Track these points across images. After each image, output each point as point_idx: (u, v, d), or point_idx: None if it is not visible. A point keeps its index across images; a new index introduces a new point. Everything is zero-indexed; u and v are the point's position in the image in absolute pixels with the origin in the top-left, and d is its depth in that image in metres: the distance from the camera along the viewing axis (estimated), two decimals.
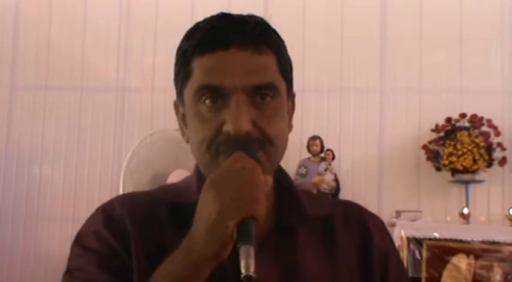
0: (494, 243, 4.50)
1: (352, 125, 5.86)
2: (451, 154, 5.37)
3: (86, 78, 6.14)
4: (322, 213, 1.07)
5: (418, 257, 4.56)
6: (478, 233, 4.59)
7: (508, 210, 5.00)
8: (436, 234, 4.60)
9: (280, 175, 1.07)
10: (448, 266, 4.51)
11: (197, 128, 0.97)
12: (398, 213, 5.14)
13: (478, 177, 5.48)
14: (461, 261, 4.49)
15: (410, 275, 4.33)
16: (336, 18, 5.92)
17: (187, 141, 1.03)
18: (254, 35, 0.96)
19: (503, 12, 5.83)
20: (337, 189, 5.48)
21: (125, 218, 0.99)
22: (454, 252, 4.53)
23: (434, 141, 5.56)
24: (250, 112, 0.94)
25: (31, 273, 5.95)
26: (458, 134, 5.44)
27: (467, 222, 5.10)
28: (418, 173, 5.72)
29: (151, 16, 6.11)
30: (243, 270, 0.77)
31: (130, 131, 6.00)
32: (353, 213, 1.11)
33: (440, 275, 4.52)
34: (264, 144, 0.95)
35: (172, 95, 1.06)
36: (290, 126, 1.05)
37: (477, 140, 5.37)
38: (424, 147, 5.58)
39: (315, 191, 5.18)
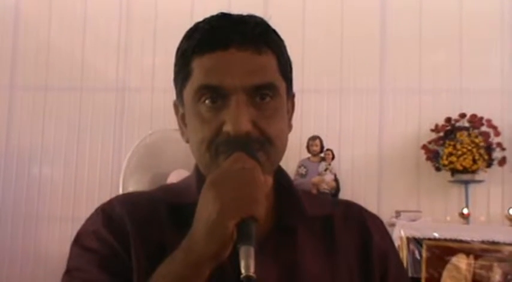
0: (493, 243, 4.50)
1: (351, 125, 5.86)
2: (450, 154, 5.37)
3: (85, 78, 6.15)
4: (322, 213, 1.07)
5: (418, 257, 4.56)
6: (477, 233, 4.59)
7: (508, 210, 5.00)
8: (436, 234, 4.60)
9: (280, 175, 1.07)
10: (448, 266, 4.52)
11: (197, 128, 0.97)
12: (398, 213, 5.14)
13: (477, 177, 5.48)
14: (461, 261, 4.49)
15: (410, 275, 4.34)
16: (336, 19, 5.92)
17: (187, 141, 1.03)
18: (254, 35, 0.96)
19: (503, 12, 5.83)
20: (337, 189, 5.48)
21: (125, 218, 0.99)
22: (453, 252, 4.53)
23: (434, 141, 5.56)
24: (250, 112, 0.94)
25: (31, 273, 5.95)
26: (458, 134, 5.44)
27: (467, 222, 5.10)
28: (418, 173, 5.72)
29: (151, 16, 6.11)
30: (243, 271, 0.77)
31: (130, 131, 6.00)
32: (353, 213, 1.11)
33: (440, 275, 4.52)
34: (263, 144, 0.95)
35: (172, 95, 1.06)
36: (290, 126, 1.05)
37: (477, 140, 5.37)
38: (424, 147, 5.58)
39: (314, 191, 5.18)
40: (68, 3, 6.32)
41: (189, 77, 0.98)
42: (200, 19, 1.01)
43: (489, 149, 5.42)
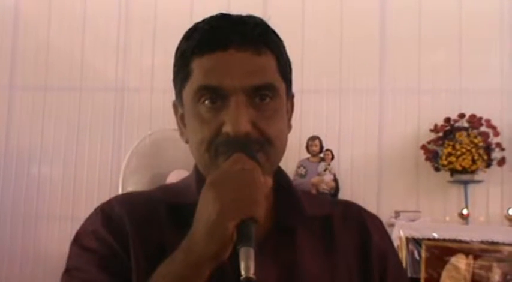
0: (493, 243, 4.50)
1: (351, 125, 5.85)
2: (450, 154, 5.36)
3: (85, 78, 6.14)
4: (321, 213, 1.08)
5: (417, 257, 4.56)
6: (477, 233, 4.59)
7: (507, 210, 5.00)
8: (435, 235, 4.60)
9: (279, 175, 1.07)
10: (447, 266, 4.52)
11: (196, 128, 0.97)
12: (397, 214, 5.13)
13: (477, 177, 5.48)
14: (460, 262, 4.50)
15: (409, 275, 4.33)
16: (335, 19, 5.91)
17: (187, 142, 1.03)
18: (253, 35, 0.97)
19: (503, 12, 5.82)
20: (336, 189, 5.48)
21: (124, 218, 0.99)
22: (453, 252, 4.53)
23: (433, 141, 5.56)
24: (250, 113, 0.94)
25: (30, 272, 5.95)
26: (457, 134, 5.43)
27: (466, 223, 5.09)
28: (417, 173, 5.71)
29: (151, 16, 6.11)
30: (242, 272, 0.77)
31: (129, 131, 6.00)
32: (352, 213, 1.12)
33: (439, 275, 4.52)
34: (263, 145, 0.95)
35: (171, 95, 1.06)
36: (289, 127, 1.05)
37: (476, 140, 5.37)
38: (423, 147, 5.58)
39: (314, 191, 5.18)
40: (67, 3, 6.32)
41: (188, 78, 0.98)
42: (199, 19, 1.01)
43: (488, 149, 5.42)
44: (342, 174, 5.63)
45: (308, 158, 5.55)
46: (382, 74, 5.87)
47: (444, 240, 4.57)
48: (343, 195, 5.44)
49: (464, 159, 5.31)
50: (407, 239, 4.58)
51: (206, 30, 0.97)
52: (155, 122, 5.70)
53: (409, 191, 5.67)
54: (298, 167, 5.51)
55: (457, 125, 5.53)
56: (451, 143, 5.39)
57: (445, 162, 5.38)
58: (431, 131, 5.57)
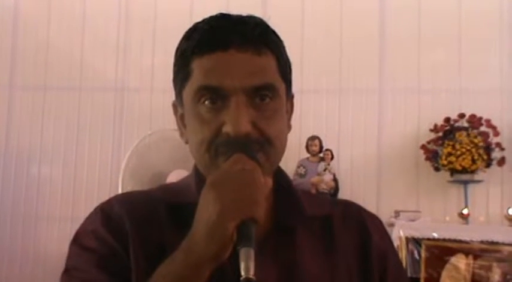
0: (493, 243, 4.50)
1: (351, 125, 5.86)
2: (449, 154, 5.37)
3: (84, 78, 6.14)
4: (321, 213, 1.08)
5: (417, 257, 4.55)
6: (477, 233, 4.59)
7: (507, 210, 5.00)
8: (435, 234, 4.60)
9: (279, 175, 1.07)
10: (447, 266, 4.51)
11: (196, 129, 0.97)
12: (397, 213, 5.13)
13: (476, 177, 5.48)
14: (460, 261, 4.49)
15: (409, 275, 4.33)
16: (335, 19, 5.91)
17: (186, 142, 1.03)
18: (254, 35, 0.96)
19: (502, 11, 5.83)
20: (336, 189, 5.48)
21: (124, 217, 0.99)
22: (453, 252, 4.53)
23: (433, 141, 5.56)
24: (250, 113, 0.94)
25: (30, 272, 5.94)
26: (457, 134, 5.43)
27: (466, 222, 5.09)
28: (417, 173, 5.72)
29: (150, 16, 6.11)
30: (242, 273, 0.77)
31: (129, 131, 5.99)
32: (352, 213, 1.12)
33: (439, 275, 4.51)
34: (263, 145, 0.95)
35: (171, 95, 1.06)
36: (289, 127, 1.05)
37: (476, 140, 5.37)
38: (423, 147, 5.58)
39: (313, 191, 5.18)
40: (67, 3, 6.31)
41: (188, 78, 0.98)
42: (199, 19, 1.01)
43: (488, 149, 5.42)
44: (341, 174, 5.63)
45: (308, 158, 5.55)
46: (381, 73, 5.87)
47: (444, 240, 4.57)
48: (342, 195, 5.44)
49: (464, 159, 5.31)
50: (407, 238, 4.58)
51: (206, 30, 0.97)
52: (155, 122, 5.70)
53: (409, 191, 5.67)
54: (298, 167, 5.51)
55: (457, 124, 5.53)
56: (451, 143, 5.39)
57: (445, 162, 5.38)
58: (431, 130, 5.58)
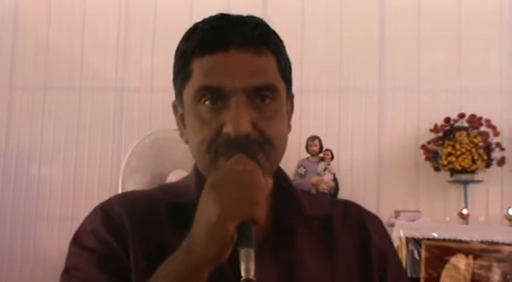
0: (493, 243, 4.50)
1: (351, 125, 5.86)
2: (449, 154, 5.37)
3: (84, 78, 6.14)
4: (321, 213, 1.08)
5: (417, 257, 4.55)
6: (476, 233, 4.59)
7: (507, 210, 5.00)
8: (435, 234, 4.60)
9: (279, 175, 1.07)
10: (447, 266, 4.51)
11: (197, 129, 0.97)
12: (397, 213, 5.14)
13: (476, 177, 5.48)
14: (460, 261, 4.49)
15: (409, 275, 4.33)
16: (335, 19, 5.91)
17: (186, 142, 1.03)
18: (254, 36, 0.96)
19: (502, 11, 5.83)
20: (336, 189, 5.48)
21: (123, 217, 0.99)
22: (452, 252, 4.53)
23: (433, 141, 5.56)
24: (250, 114, 0.94)
25: (30, 272, 5.94)
26: (457, 134, 5.44)
27: (466, 222, 5.09)
28: (417, 173, 5.72)
29: (150, 16, 6.11)
30: (243, 274, 0.78)
31: (129, 131, 5.99)
32: (352, 213, 1.12)
33: (439, 275, 4.51)
34: (263, 145, 0.95)
35: (171, 95, 1.06)
36: (289, 127, 1.05)
37: (476, 140, 5.37)
38: (423, 147, 5.58)
39: (313, 191, 5.18)
40: (67, 3, 6.31)
41: (188, 78, 0.98)
42: (199, 19, 1.01)
43: (488, 149, 5.42)
44: (341, 174, 5.64)
45: (308, 158, 5.55)
46: (381, 73, 5.87)
47: (444, 240, 4.57)
48: (342, 195, 5.45)
49: (464, 159, 5.31)
50: (407, 239, 4.58)
51: (206, 30, 0.97)
52: (155, 122, 5.70)
53: (409, 191, 5.67)
54: (298, 167, 5.51)
55: (456, 124, 5.53)
56: (451, 143, 5.40)
57: (445, 162, 5.38)
58: (431, 130, 5.58)
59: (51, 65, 6.17)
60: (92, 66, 6.17)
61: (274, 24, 1.01)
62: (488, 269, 4.45)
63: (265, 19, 1.01)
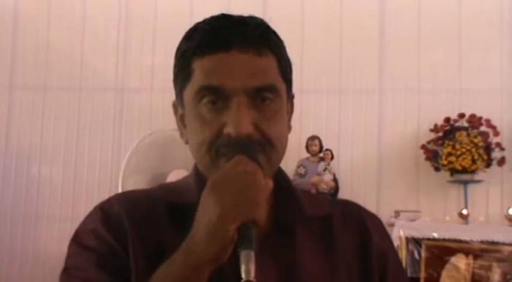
0: (493, 243, 4.50)
1: (351, 125, 5.86)
2: (449, 154, 5.37)
3: (84, 78, 6.14)
4: (321, 213, 1.07)
5: (417, 257, 4.55)
6: (477, 233, 4.59)
7: (507, 210, 5.00)
8: (435, 234, 4.60)
9: (279, 175, 1.06)
10: (447, 266, 4.51)
11: (197, 129, 0.97)
12: (397, 213, 5.14)
13: (476, 177, 5.48)
14: (460, 261, 4.49)
15: (409, 275, 4.33)
16: (335, 19, 5.91)
17: (186, 142, 1.03)
18: (255, 36, 0.96)
19: (503, 11, 5.83)
20: (336, 189, 5.48)
21: (123, 216, 0.99)
22: (453, 252, 4.53)
23: (433, 141, 5.56)
24: (251, 114, 0.94)
25: (30, 272, 5.94)
26: (457, 134, 5.44)
27: (466, 222, 5.09)
28: (417, 173, 5.72)
29: (151, 16, 6.11)
30: (243, 275, 0.77)
31: (129, 131, 5.99)
32: (352, 213, 1.12)
33: (439, 275, 4.51)
34: (264, 146, 0.95)
35: (171, 95, 1.06)
36: (289, 128, 1.05)
37: (476, 140, 5.37)
38: (423, 147, 5.58)
39: (313, 191, 5.18)
40: (67, 3, 6.31)
41: (189, 78, 0.98)
42: (199, 19, 1.01)
43: (488, 149, 5.42)
44: (341, 174, 5.64)
45: (308, 158, 5.55)
46: (381, 73, 5.87)
47: (444, 240, 4.57)
48: (342, 195, 5.44)
49: (464, 159, 5.31)
50: (407, 238, 4.58)
51: (207, 30, 0.97)
52: (155, 122, 5.70)
53: (409, 191, 5.67)
54: (298, 167, 5.51)
55: (456, 124, 5.53)
56: (451, 143, 5.40)
57: (445, 162, 5.38)
58: (431, 130, 5.58)
59: (51, 65, 6.17)
60: (92, 66, 6.17)
61: (274, 24, 1.01)
62: (488, 269, 4.45)
63: (266, 19, 1.01)
